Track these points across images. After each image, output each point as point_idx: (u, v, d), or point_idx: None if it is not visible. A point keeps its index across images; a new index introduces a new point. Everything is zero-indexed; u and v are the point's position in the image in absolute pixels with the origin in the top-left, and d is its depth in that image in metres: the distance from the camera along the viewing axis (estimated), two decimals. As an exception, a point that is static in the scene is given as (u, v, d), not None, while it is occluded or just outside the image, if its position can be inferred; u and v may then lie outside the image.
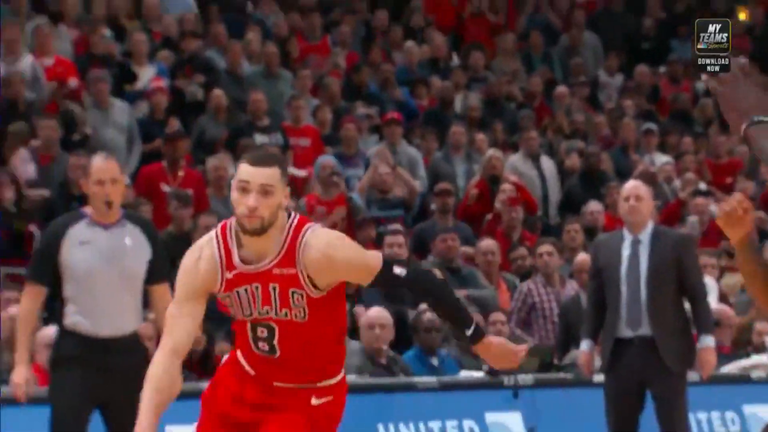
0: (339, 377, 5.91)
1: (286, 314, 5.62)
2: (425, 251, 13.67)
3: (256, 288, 5.60)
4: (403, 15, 19.05)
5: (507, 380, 11.64)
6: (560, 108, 17.73)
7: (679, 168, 16.70)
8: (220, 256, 5.63)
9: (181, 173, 13.87)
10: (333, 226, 14.17)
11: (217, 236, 5.67)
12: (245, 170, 5.57)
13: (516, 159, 15.87)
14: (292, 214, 5.72)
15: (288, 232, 5.62)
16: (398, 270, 5.77)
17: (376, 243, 13.58)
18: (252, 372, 5.82)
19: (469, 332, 5.80)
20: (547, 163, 16.21)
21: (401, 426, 11.18)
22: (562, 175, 16.32)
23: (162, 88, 15.24)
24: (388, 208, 14.74)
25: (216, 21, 17.06)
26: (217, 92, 15.40)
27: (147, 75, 15.64)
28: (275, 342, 5.69)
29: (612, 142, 17.40)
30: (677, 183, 16.29)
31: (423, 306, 12.42)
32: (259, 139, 14.86)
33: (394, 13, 19.02)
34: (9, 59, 14.44)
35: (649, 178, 14.40)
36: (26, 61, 14.56)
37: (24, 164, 13.45)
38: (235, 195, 5.57)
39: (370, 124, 16.17)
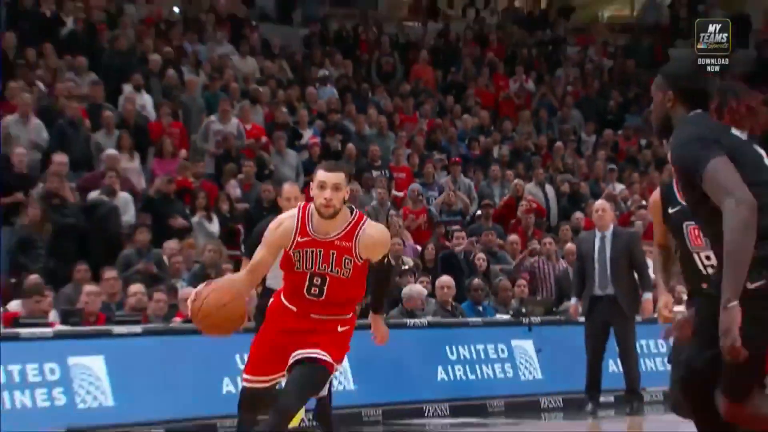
0: (352, 314, 5.63)
1: (337, 272, 5.37)
2: (475, 242, 13.65)
3: (320, 252, 5.35)
4: (462, 98, 19.00)
5: (524, 320, 11.56)
6: (557, 156, 17.59)
7: (630, 192, 16.57)
8: (296, 226, 5.37)
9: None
10: (419, 227, 14.31)
11: (298, 213, 5.40)
12: (323, 174, 5.34)
13: (531, 186, 15.79)
14: (355, 209, 5.49)
15: (352, 220, 5.38)
16: (385, 260, 5.53)
17: (446, 237, 13.60)
18: (294, 309, 5.50)
19: (381, 311, 5.79)
20: (549, 189, 16.12)
21: (459, 348, 11.09)
22: (558, 196, 16.23)
23: (316, 143, 15.24)
24: (452, 215, 14.71)
25: (349, 103, 17.08)
26: (350, 146, 15.38)
27: (307, 135, 15.66)
28: (325, 288, 5.41)
29: (589, 176, 17.26)
30: (629, 201, 16.17)
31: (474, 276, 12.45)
32: (375, 173, 14.89)
33: (457, 97, 18.97)
34: (224, 123, 14.54)
35: (611, 199, 14.32)
36: (233, 124, 14.62)
37: (234, 189, 13.53)
38: (315, 191, 5.32)
39: (441, 165, 16.13)
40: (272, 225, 5.50)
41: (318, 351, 5.41)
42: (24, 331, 8.79)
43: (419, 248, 13.30)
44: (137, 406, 8.83)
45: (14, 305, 9.63)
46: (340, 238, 5.35)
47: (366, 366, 10.20)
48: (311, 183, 5.43)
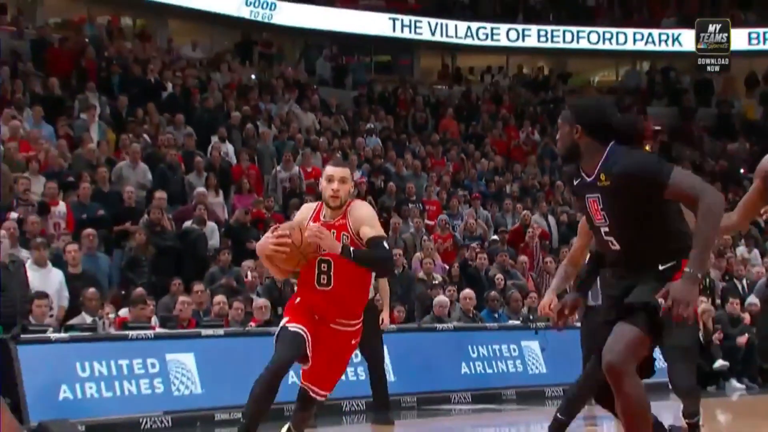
0: (360, 325, 4.92)
1: None
2: (491, 262, 13.51)
3: None
4: (481, 146, 18.93)
5: (532, 325, 11.39)
6: (558, 192, 17.47)
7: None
8: (313, 212, 4.87)
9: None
10: (446, 249, 14.19)
11: (316, 206, 4.92)
12: (331, 169, 4.87)
13: (536, 217, 15.65)
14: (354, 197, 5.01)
15: (348, 204, 4.81)
16: (383, 245, 4.71)
17: (468, 258, 13.42)
18: (316, 316, 4.80)
19: (348, 251, 4.66)
20: (551, 218, 15.98)
21: (479, 347, 10.96)
22: (558, 224, 16.06)
23: (363, 182, 15.13)
24: (473, 240, 14.57)
25: (390, 149, 17.07)
26: (391, 184, 15.32)
27: (356, 176, 15.48)
28: (332, 273, 4.75)
29: (583, 208, 17.12)
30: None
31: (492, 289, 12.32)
32: (411, 206, 14.78)
33: (476, 145, 18.90)
34: (286, 169, 14.56)
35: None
36: (296, 170, 14.58)
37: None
38: (324, 184, 4.82)
39: (465, 199, 16.03)
40: (300, 211, 5.11)
41: (320, 392, 4.91)
42: (131, 332, 8.81)
43: (447, 266, 13.19)
44: (220, 393, 8.77)
45: (123, 312, 9.63)
46: (339, 218, 4.81)
47: (403, 362, 10.13)
48: (321, 179, 4.95)
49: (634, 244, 4.06)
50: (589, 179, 4.11)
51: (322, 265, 4.78)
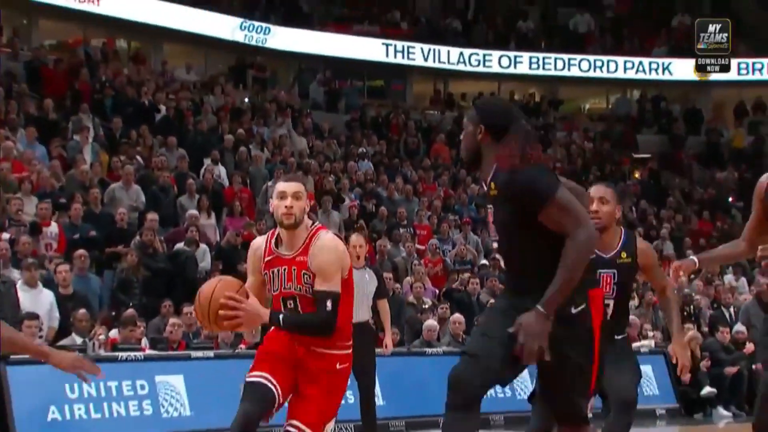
0: (348, 350, 4.42)
1: (300, 289, 4.28)
2: (482, 286, 13.50)
3: (284, 269, 4.30)
4: (472, 169, 18.95)
5: (520, 350, 11.41)
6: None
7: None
8: (265, 247, 4.36)
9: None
10: (436, 274, 14.19)
11: (267, 236, 4.43)
12: (282, 185, 4.35)
13: (526, 242, 15.64)
14: (316, 221, 4.49)
15: (309, 232, 4.31)
16: (325, 304, 4.23)
17: (460, 285, 13.35)
18: (296, 343, 4.34)
19: (277, 318, 4.28)
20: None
21: (469, 372, 10.93)
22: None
23: (355, 205, 15.22)
24: (463, 265, 14.57)
25: (382, 174, 17.11)
26: (382, 208, 15.35)
27: (348, 198, 15.65)
28: (299, 310, 4.31)
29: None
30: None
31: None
32: (402, 230, 14.80)
33: (467, 170, 18.94)
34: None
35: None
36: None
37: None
38: (276, 202, 4.31)
39: (455, 225, 16.05)
40: (249, 251, 4.53)
41: (303, 428, 4.33)
42: (121, 354, 8.82)
43: (437, 291, 13.20)
44: (209, 416, 8.72)
45: (114, 333, 9.62)
46: (299, 253, 4.30)
47: (393, 385, 10.13)
48: (271, 199, 4.42)
49: (519, 267, 3.68)
50: (486, 188, 3.77)
51: (288, 302, 4.35)
